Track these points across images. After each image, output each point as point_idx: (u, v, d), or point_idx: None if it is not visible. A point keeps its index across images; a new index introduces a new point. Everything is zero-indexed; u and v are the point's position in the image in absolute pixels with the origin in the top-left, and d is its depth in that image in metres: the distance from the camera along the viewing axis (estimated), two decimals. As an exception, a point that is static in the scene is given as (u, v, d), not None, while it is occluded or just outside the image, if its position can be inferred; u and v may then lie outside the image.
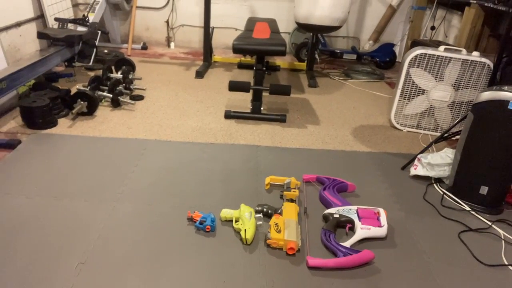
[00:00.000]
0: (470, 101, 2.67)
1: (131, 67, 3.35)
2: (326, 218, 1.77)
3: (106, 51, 3.89)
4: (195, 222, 1.67)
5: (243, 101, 3.16)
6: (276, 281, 1.44)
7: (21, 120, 2.48)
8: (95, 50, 3.36)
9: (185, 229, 1.66)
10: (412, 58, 2.63)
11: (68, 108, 2.67)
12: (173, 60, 4.14)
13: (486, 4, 3.06)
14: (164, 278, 1.42)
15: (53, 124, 2.50)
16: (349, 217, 1.73)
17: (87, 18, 3.51)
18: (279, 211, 1.75)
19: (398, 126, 2.85)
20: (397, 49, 4.58)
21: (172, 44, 4.64)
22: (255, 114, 2.83)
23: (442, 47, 2.61)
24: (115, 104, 2.85)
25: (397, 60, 4.48)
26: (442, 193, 2.09)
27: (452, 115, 2.73)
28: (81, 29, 3.47)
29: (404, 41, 4.56)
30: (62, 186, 1.89)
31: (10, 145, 2.20)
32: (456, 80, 2.64)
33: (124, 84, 3.04)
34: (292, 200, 1.83)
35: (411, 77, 2.68)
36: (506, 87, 1.85)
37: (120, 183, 1.95)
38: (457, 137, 2.43)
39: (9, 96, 2.67)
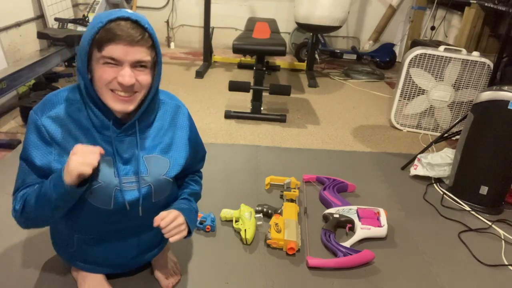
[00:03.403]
0: (470, 101, 2.67)
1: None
2: (326, 218, 1.77)
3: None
4: (195, 222, 1.67)
5: (243, 101, 3.16)
6: (276, 281, 1.44)
7: (21, 120, 2.48)
8: (95, 50, 3.35)
9: (185, 229, 1.66)
10: (412, 58, 2.63)
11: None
12: (173, 60, 4.14)
13: (486, 4, 3.07)
14: (164, 278, 1.42)
15: (53, 124, 2.50)
16: (349, 217, 1.73)
17: (87, 18, 3.51)
18: (279, 211, 1.75)
19: (398, 126, 2.85)
20: (397, 49, 4.58)
21: (172, 44, 4.64)
22: (255, 114, 2.83)
23: (442, 47, 2.61)
24: (115, 104, 2.85)
25: (397, 60, 4.48)
26: (442, 193, 2.09)
27: (452, 115, 2.73)
28: (81, 29, 3.47)
29: (404, 41, 4.56)
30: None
31: (10, 145, 2.20)
32: (456, 80, 2.64)
33: (124, 84, 3.03)
34: (292, 200, 1.83)
35: (411, 77, 2.68)
36: (506, 87, 1.85)
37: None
38: (457, 137, 2.42)
39: (9, 96, 2.67)
